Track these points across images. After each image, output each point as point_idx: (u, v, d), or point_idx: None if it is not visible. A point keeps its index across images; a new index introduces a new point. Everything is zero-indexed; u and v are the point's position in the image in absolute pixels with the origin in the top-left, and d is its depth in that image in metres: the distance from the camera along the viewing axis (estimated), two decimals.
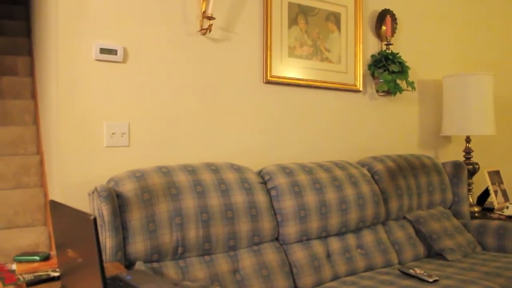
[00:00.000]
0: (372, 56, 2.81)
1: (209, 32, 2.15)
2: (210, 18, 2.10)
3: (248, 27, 2.33)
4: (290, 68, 2.44)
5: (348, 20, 2.68)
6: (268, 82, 2.38)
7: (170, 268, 1.73)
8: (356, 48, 2.71)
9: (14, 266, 1.45)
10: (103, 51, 1.92)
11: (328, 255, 2.14)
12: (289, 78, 2.43)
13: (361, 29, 2.72)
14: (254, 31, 2.35)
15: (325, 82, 2.57)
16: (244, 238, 1.92)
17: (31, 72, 3.70)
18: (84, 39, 1.90)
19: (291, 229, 2.05)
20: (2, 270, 1.43)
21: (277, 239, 2.07)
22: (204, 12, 2.15)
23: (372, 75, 2.81)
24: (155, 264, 1.72)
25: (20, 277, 1.35)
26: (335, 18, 2.63)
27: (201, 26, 2.16)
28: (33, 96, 3.45)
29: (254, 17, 2.35)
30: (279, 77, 2.40)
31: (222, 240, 1.86)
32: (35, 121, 3.27)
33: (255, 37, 2.35)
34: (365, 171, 2.41)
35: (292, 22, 2.45)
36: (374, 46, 2.85)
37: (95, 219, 1.02)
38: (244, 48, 2.31)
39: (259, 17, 2.37)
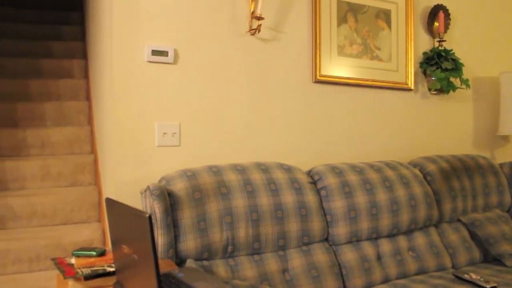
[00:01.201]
0: (424, 53, 2.73)
1: (258, 32, 2.16)
2: (259, 18, 2.11)
3: (297, 26, 2.32)
4: (339, 67, 2.41)
5: (399, 17, 2.61)
6: (318, 82, 2.36)
7: (220, 267, 1.75)
8: (407, 46, 2.64)
9: (73, 260, 1.51)
10: (154, 52, 1.97)
11: (379, 257, 2.10)
12: (338, 77, 2.40)
13: (413, 25, 2.65)
14: (303, 30, 2.34)
15: (375, 81, 2.52)
16: (294, 238, 1.91)
17: (85, 74, 3.84)
18: (136, 42, 1.95)
19: (341, 230, 2.02)
20: (62, 263, 1.49)
21: (326, 239, 2.05)
22: (253, 12, 2.16)
23: (424, 73, 2.73)
24: (205, 262, 1.75)
25: (78, 270, 1.40)
26: (386, 15, 2.57)
27: (250, 26, 2.17)
28: (88, 97, 3.58)
29: (302, 16, 2.33)
30: (328, 76, 2.37)
31: (271, 239, 1.86)
32: (90, 121, 3.39)
33: (304, 36, 2.34)
34: (417, 171, 2.34)
35: (341, 20, 2.42)
36: (426, 43, 2.77)
37: (150, 217, 1.04)
38: (293, 48, 2.30)
39: (308, 16, 2.35)
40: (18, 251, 2.45)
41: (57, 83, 3.58)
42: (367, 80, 2.49)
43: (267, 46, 2.24)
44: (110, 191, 2.19)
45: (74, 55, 4.09)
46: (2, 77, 3.57)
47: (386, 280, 2.05)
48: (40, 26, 4.33)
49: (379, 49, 2.54)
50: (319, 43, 2.35)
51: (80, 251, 1.53)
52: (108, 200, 1.31)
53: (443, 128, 2.84)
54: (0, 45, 3.96)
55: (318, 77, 2.34)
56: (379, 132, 2.58)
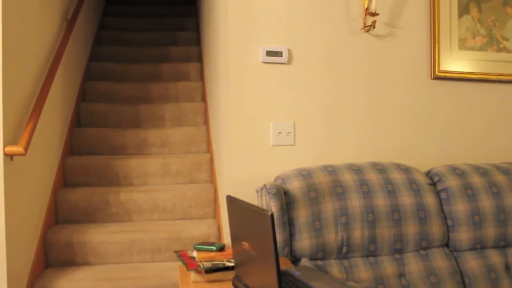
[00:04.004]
0: None
1: (373, 28, 2.10)
2: (374, 14, 2.05)
3: (413, 20, 2.21)
4: (460, 62, 2.26)
5: None
6: (436, 78, 2.23)
7: (334, 267, 1.73)
8: None
9: (194, 254, 1.59)
10: (269, 53, 2.01)
11: (507, 268, 1.93)
12: (459, 73, 2.25)
13: None
14: (420, 24, 2.23)
15: (502, 75, 2.32)
16: (411, 241, 1.83)
17: (201, 76, 4.03)
18: (251, 44, 2.00)
19: (463, 235, 1.90)
20: (184, 256, 1.58)
21: (447, 244, 1.93)
22: (367, 9, 2.10)
23: None
24: (319, 262, 1.74)
25: (200, 264, 1.47)
26: None
27: (364, 23, 2.12)
28: (203, 98, 3.75)
29: (419, 9, 2.22)
30: (448, 72, 2.23)
31: (387, 242, 1.80)
32: (205, 121, 3.55)
33: (421, 30, 2.23)
34: None
35: (463, 11, 2.27)
36: None
37: (272, 215, 1.06)
38: (409, 43, 2.21)
39: (425, 9, 2.23)
40: (142, 242, 2.65)
41: (175, 85, 3.81)
42: (492, 74, 2.30)
43: (382, 43, 2.17)
44: (225, 189, 2.28)
45: (190, 59, 4.32)
46: (128, 82, 3.88)
47: None
48: (160, 33, 4.65)
49: (507, 39, 2.34)
50: (438, 37, 2.22)
51: (201, 245, 1.60)
52: (229, 198, 1.36)
53: None
54: (126, 53, 4.32)
55: (437, 73, 2.21)
56: (507, 130, 2.37)
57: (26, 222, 2.38)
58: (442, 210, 1.92)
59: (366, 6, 2.10)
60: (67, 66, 3.22)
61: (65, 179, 3.08)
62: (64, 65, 3.14)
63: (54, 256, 2.60)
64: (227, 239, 2.31)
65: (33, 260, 2.44)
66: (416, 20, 2.22)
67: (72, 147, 3.32)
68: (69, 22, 3.22)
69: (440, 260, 1.85)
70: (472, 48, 2.28)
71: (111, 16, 5.05)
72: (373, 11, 2.04)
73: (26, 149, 2.17)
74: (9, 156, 2.17)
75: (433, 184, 1.97)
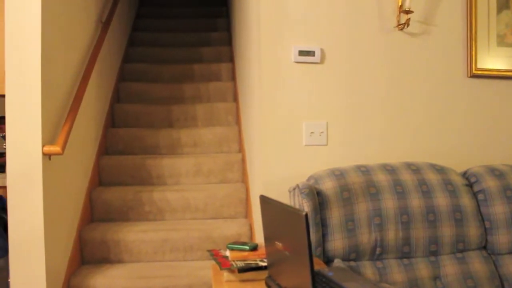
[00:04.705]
0: None
1: (407, 26, 2.06)
2: (408, 12, 2.01)
3: (449, 17, 2.16)
4: (499, 59, 2.19)
5: None
6: (473, 76, 2.17)
7: (367, 268, 1.71)
8: None
9: (227, 253, 1.60)
10: (301, 53, 2.00)
11: None
12: (498, 70, 2.19)
13: None
14: (456, 21, 2.17)
15: None
16: (447, 243, 1.79)
17: (232, 77, 4.05)
18: (284, 44, 2.00)
19: (502, 238, 1.84)
20: (217, 255, 1.59)
21: (485, 247, 1.88)
22: (401, 6, 2.07)
23: None
24: (352, 263, 1.72)
25: (233, 263, 1.48)
26: None
27: (398, 21, 2.09)
28: (235, 98, 3.77)
29: (455, 5, 2.17)
30: (486, 70, 2.17)
31: (422, 244, 1.77)
32: (237, 121, 3.57)
33: (457, 27, 2.17)
34: None
35: (502, 6, 2.20)
36: None
37: (306, 215, 1.05)
38: (444, 41, 2.16)
39: (462, 5, 2.18)
40: (175, 241, 2.68)
41: (207, 86, 3.84)
42: None
43: (416, 41, 2.13)
44: (257, 188, 2.28)
45: (222, 59, 4.34)
46: (161, 82, 3.93)
47: None
48: (192, 34, 4.69)
49: None
50: (475, 34, 2.16)
51: (234, 245, 1.61)
52: (263, 197, 1.36)
53: None
54: (158, 54, 4.38)
55: (474, 71, 2.16)
56: None
57: (63, 220, 2.44)
58: (479, 212, 1.87)
59: (400, 4, 2.07)
60: (102, 67, 3.29)
61: (100, 178, 3.15)
62: (99, 66, 3.21)
63: (89, 253, 2.66)
64: (258, 239, 2.31)
65: (70, 257, 2.50)
66: (452, 17, 2.17)
67: (107, 147, 3.38)
68: (104, 24, 3.29)
69: (477, 263, 1.80)
70: (511, 45, 2.21)
71: (144, 18, 5.13)
72: (407, 9, 2.01)
73: (63, 148, 2.23)
74: (47, 156, 2.23)
75: (470, 185, 1.92)
